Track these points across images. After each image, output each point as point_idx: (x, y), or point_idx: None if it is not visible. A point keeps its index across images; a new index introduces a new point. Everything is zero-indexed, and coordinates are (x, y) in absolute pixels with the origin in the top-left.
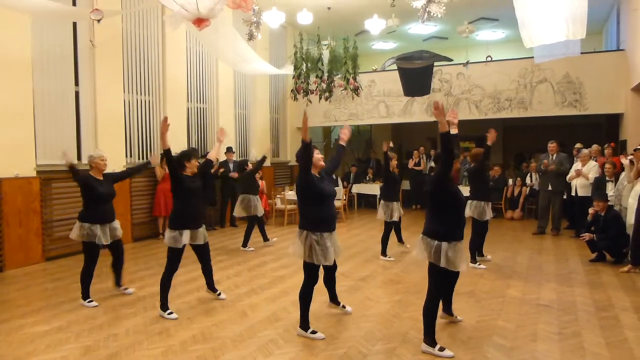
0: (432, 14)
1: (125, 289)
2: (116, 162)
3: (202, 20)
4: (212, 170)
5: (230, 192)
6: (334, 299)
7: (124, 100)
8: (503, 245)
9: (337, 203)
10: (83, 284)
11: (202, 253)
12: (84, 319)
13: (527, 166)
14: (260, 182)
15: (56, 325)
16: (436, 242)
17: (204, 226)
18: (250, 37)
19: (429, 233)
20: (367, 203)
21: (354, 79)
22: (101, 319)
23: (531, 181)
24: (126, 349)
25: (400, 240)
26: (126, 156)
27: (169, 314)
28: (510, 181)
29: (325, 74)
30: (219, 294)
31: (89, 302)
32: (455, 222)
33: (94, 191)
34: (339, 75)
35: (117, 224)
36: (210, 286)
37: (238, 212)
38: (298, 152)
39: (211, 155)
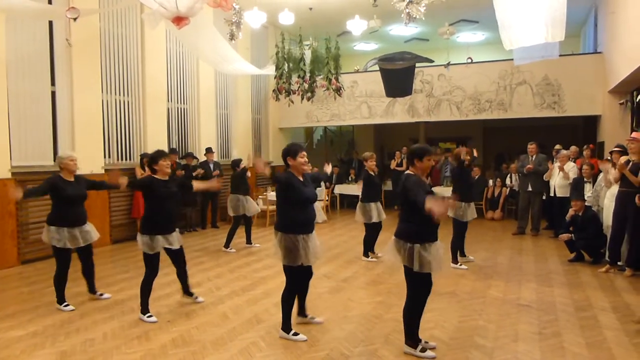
0: (412, 15)
1: (101, 294)
2: (94, 163)
3: (181, 19)
4: (194, 173)
5: (210, 193)
6: (302, 311)
7: (103, 101)
8: (484, 245)
9: (320, 204)
10: (57, 289)
11: (177, 257)
12: (60, 323)
13: (507, 167)
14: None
15: (32, 330)
16: (409, 244)
17: (177, 230)
18: (232, 37)
19: (401, 234)
20: (349, 204)
21: (336, 79)
22: (78, 323)
23: (511, 182)
24: (103, 353)
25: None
26: (104, 157)
27: (148, 317)
28: (491, 182)
29: (308, 74)
30: (196, 298)
31: (64, 306)
32: (428, 223)
33: (62, 193)
34: (321, 76)
35: (88, 226)
36: (186, 290)
37: (229, 211)
38: (296, 146)
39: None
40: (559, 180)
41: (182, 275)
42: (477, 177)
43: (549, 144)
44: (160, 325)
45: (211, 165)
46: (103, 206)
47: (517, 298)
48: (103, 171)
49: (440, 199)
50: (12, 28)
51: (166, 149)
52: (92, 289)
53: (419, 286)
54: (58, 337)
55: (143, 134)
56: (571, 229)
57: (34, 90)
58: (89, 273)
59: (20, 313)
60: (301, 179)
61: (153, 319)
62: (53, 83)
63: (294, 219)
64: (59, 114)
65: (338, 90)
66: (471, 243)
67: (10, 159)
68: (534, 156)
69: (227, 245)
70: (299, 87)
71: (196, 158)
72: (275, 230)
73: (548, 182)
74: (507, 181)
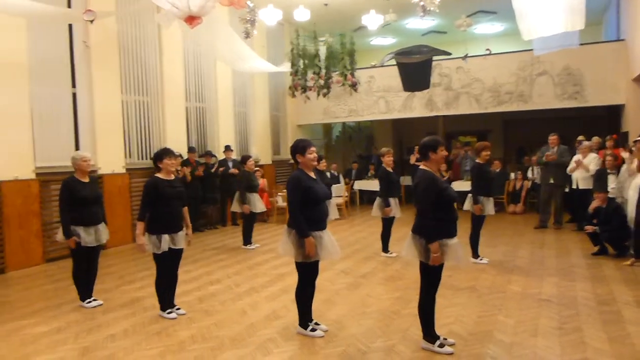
0: (427, 8)
1: (89, 302)
2: (115, 163)
3: (193, 18)
4: (213, 170)
5: (231, 190)
6: (309, 315)
7: (122, 101)
8: (505, 240)
9: (339, 200)
10: (77, 286)
11: (175, 259)
12: (83, 319)
13: (529, 160)
14: (261, 180)
15: (55, 326)
16: (424, 240)
17: (184, 230)
18: (247, 35)
19: (417, 230)
20: (369, 199)
21: (352, 74)
22: (100, 319)
23: (532, 175)
24: (124, 349)
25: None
26: (125, 157)
27: (168, 313)
28: (512, 175)
29: (323, 70)
30: (178, 309)
31: (87, 302)
32: (444, 218)
33: (77, 194)
34: (337, 71)
35: (102, 227)
36: (170, 300)
37: (235, 207)
38: (305, 142)
39: None
40: (581, 172)
41: (172, 280)
42: (497, 170)
43: (572, 135)
44: (180, 322)
45: (230, 163)
46: (125, 205)
47: (537, 293)
48: (124, 171)
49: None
50: (34, 33)
51: (185, 148)
52: (87, 294)
53: (431, 281)
54: (81, 333)
55: (162, 133)
56: (594, 221)
57: (56, 92)
58: (90, 275)
59: (45, 310)
60: (312, 175)
61: (173, 315)
62: (74, 85)
63: (307, 216)
64: (80, 115)
65: (354, 86)
66: (492, 237)
67: (34, 160)
68: (555, 148)
69: (245, 242)
70: (314, 83)
71: (215, 156)
72: (289, 227)
73: (570, 174)
74: (529, 174)
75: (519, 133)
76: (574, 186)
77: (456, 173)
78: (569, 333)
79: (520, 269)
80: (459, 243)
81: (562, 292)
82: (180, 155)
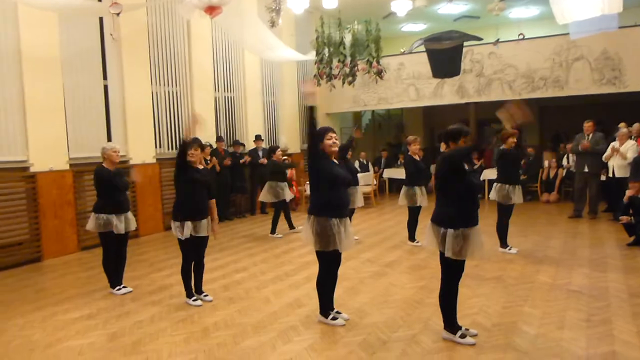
0: None
1: (119, 289)
2: (146, 153)
3: (213, 8)
4: (242, 161)
5: (260, 179)
6: (330, 304)
7: (152, 92)
8: (537, 229)
9: (368, 188)
10: (108, 273)
11: (199, 247)
12: (113, 306)
13: (564, 147)
14: (290, 170)
15: (87, 312)
16: (442, 229)
17: (208, 218)
18: (272, 23)
19: (436, 219)
20: (398, 188)
21: (377, 62)
22: (129, 306)
23: (568, 163)
24: (150, 335)
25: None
26: (155, 147)
27: (193, 300)
28: (546, 163)
29: (348, 58)
30: (206, 296)
31: (117, 289)
32: (464, 207)
33: (108, 182)
34: (363, 59)
35: (130, 215)
36: (197, 287)
37: (264, 197)
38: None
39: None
40: (617, 160)
41: (199, 269)
42: (531, 158)
43: (611, 122)
44: (205, 309)
45: (260, 153)
46: (155, 194)
47: (567, 283)
48: (154, 161)
49: None
50: (65, 27)
51: (214, 138)
52: (118, 281)
53: (451, 272)
54: (110, 320)
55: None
56: (630, 211)
57: (88, 85)
58: (119, 262)
59: (77, 296)
60: (335, 161)
61: (198, 302)
62: (105, 77)
63: (327, 201)
64: (111, 107)
65: (379, 74)
66: (524, 226)
67: (68, 151)
68: (591, 135)
69: (273, 231)
70: (339, 71)
71: (243, 145)
72: (308, 214)
73: (606, 162)
74: (564, 162)
75: (555, 119)
76: (610, 174)
77: (488, 161)
78: (597, 325)
79: (550, 259)
80: (479, 235)
81: (593, 283)
82: (210, 145)
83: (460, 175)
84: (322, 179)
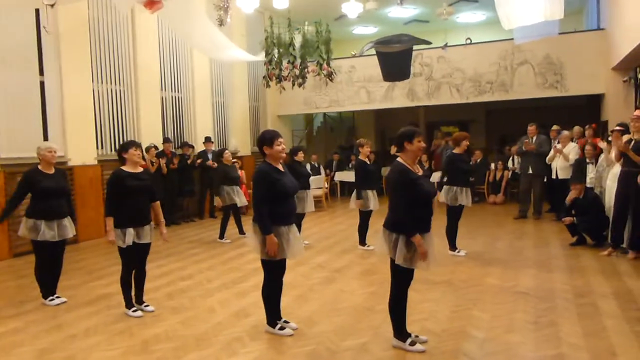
0: None
1: (52, 299)
2: (87, 155)
3: (153, 3)
4: (189, 162)
5: (209, 182)
6: (277, 313)
7: (93, 90)
8: (484, 231)
9: (319, 192)
10: (40, 283)
11: (141, 253)
12: (44, 318)
13: (509, 149)
14: (240, 171)
15: (13, 326)
16: (394, 234)
17: (151, 224)
18: (220, 22)
19: (387, 225)
20: (350, 191)
21: (328, 64)
22: (62, 318)
23: (513, 165)
24: (83, 350)
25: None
26: (97, 148)
27: (133, 311)
28: (492, 165)
29: (298, 60)
30: (147, 306)
31: (50, 300)
32: (417, 214)
33: (38, 185)
34: (313, 61)
35: (67, 221)
36: (138, 297)
37: (217, 201)
38: (272, 133)
39: None
40: (560, 162)
41: (140, 276)
42: (478, 160)
43: (553, 124)
44: (145, 320)
45: (209, 155)
46: (97, 197)
47: (514, 285)
48: (96, 162)
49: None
50: None
51: (161, 139)
52: (50, 291)
53: (401, 278)
54: (39, 334)
55: (137, 123)
56: (573, 212)
57: (22, 80)
58: (54, 271)
59: (5, 308)
60: (280, 168)
61: (138, 313)
62: (42, 73)
63: (274, 210)
64: (48, 104)
65: (329, 76)
66: (472, 228)
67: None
68: (534, 137)
69: (221, 236)
70: (288, 72)
71: (192, 147)
72: (254, 222)
73: (550, 164)
74: (509, 164)
75: (501, 123)
76: (554, 176)
77: (437, 164)
78: (544, 327)
79: (498, 260)
80: (431, 243)
81: (539, 284)
82: (156, 147)
83: (411, 186)
84: (273, 192)
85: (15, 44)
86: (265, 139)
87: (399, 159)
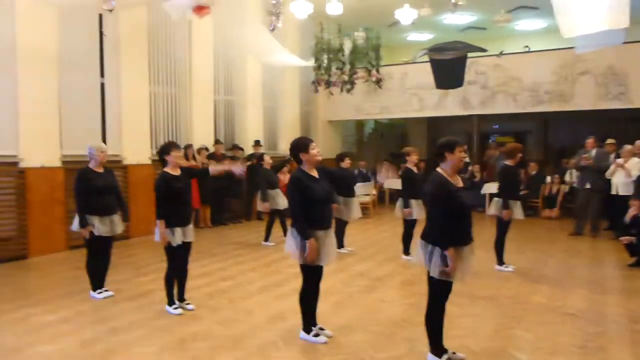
0: (457, 3)
1: (100, 292)
2: (141, 154)
3: (202, 8)
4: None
5: (255, 185)
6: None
7: (150, 92)
8: (535, 246)
9: (367, 198)
10: (90, 276)
11: (185, 252)
12: (91, 310)
13: (567, 162)
14: (287, 175)
15: (63, 315)
16: (430, 246)
17: (192, 224)
18: (272, 28)
19: (424, 236)
20: (397, 199)
21: (377, 70)
22: (108, 311)
23: (570, 178)
24: (123, 344)
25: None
26: (151, 148)
27: (174, 308)
28: (548, 178)
29: (347, 65)
30: (188, 304)
31: (98, 293)
32: (454, 225)
33: (91, 184)
34: (362, 67)
35: (116, 218)
36: (180, 295)
37: (260, 206)
38: (305, 140)
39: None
40: (621, 177)
41: (183, 275)
42: (533, 173)
43: (617, 137)
44: (185, 318)
45: None
46: (149, 195)
47: (562, 305)
48: (150, 162)
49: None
50: (64, 23)
51: (212, 141)
52: (99, 284)
53: (438, 291)
54: (85, 325)
55: (190, 125)
56: (633, 231)
57: (84, 82)
58: (103, 265)
59: (58, 298)
60: (314, 174)
61: (179, 310)
62: (102, 75)
63: (308, 216)
64: (107, 106)
65: (378, 82)
66: (522, 243)
67: (61, 148)
68: (593, 151)
69: (266, 239)
70: (337, 78)
71: (242, 149)
72: (292, 227)
73: (609, 179)
74: (567, 177)
75: (559, 134)
76: (614, 192)
77: (490, 174)
78: (592, 353)
79: (547, 278)
80: (469, 256)
81: (590, 306)
82: (206, 148)
83: (449, 198)
84: (305, 200)
85: (80, 48)
86: (301, 145)
87: (438, 170)
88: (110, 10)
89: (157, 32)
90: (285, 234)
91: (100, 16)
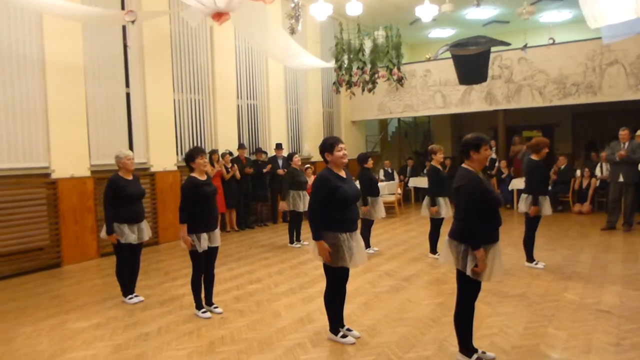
0: None
1: (130, 298)
2: (167, 161)
3: (221, 15)
4: (264, 170)
5: (279, 188)
6: (340, 320)
7: (174, 100)
8: (566, 242)
9: (392, 197)
10: (120, 282)
11: (211, 257)
12: (123, 316)
13: (597, 156)
14: (312, 177)
15: (96, 321)
16: (463, 245)
17: (219, 228)
18: (292, 31)
19: (455, 235)
20: (424, 197)
21: (398, 69)
22: (138, 316)
23: (601, 172)
24: (154, 348)
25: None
26: (177, 154)
27: (203, 312)
28: (578, 172)
29: (368, 65)
30: (216, 308)
31: (129, 298)
32: (484, 223)
33: (123, 191)
34: (383, 66)
35: (144, 224)
36: (208, 299)
37: (280, 206)
38: (333, 139)
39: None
40: None
41: (209, 279)
42: (562, 167)
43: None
44: (213, 322)
45: (280, 162)
46: (176, 201)
47: (596, 302)
48: (176, 168)
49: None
50: (89, 36)
51: (236, 145)
52: (130, 290)
53: (468, 290)
54: (117, 330)
55: (214, 130)
56: None
57: (110, 92)
58: (132, 271)
59: (90, 304)
60: (342, 174)
61: (207, 314)
62: (127, 85)
63: (335, 217)
64: (133, 115)
65: (399, 81)
66: (553, 239)
67: (90, 158)
68: (626, 143)
69: (291, 241)
70: (358, 78)
71: (265, 153)
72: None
73: None
74: (597, 171)
75: (589, 127)
76: None
77: (517, 170)
78: (627, 350)
79: (579, 275)
80: (499, 254)
81: (625, 302)
82: (230, 153)
83: (484, 195)
84: (333, 200)
85: (105, 59)
86: (327, 145)
87: (465, 166)
88: (133, 22)
89: (179, 40)
90: (298, 238)
91: (124, 28)
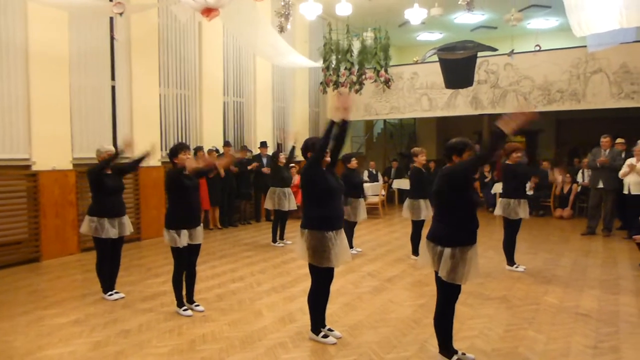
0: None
1: (111, 294)
2: (152, 156)
3: (210, 10)
4: (249, 168)
5: (264, 186)
6: (322, 321)
7: (160, 94)
8: (547, 246)
9: (375, 199)
10: (100, 278)
11: (192, 254)
12: (102, 312)
13: (579, 162)
14: (296, 176)
15: (74, 318)
16: (439, 247)
17: (201, 225)
18: (281, 29)
19: (433, 236)
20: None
21: (385, 70)
22: (118, 313)
23: (583, 179)
24: (134, 346)
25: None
26: (161, 149)
27: (184, 310)
28: (559, 178)
29: (356, 66)
30: (197, 306)
31: (109, 295)
32: (462, 224)
33: (103, 184)
34: (371, 67)
35: (125, 219)
36: (189, 296)
37: (267, 204)
38: (315, 139)
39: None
40: (634, 176)
41: (191, 275)
42: (547, 171)
43: (630, 136)
44: (195, 320)
45: (264, 160)
46: (159, 197)
47: (575, 306)
48: (160, 164)
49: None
50: (75, 26)
51: (222, 142)
52: (110, 286)
53: (448, 292)
54: (96, 327)
55: (199, 127)
56: None
57: (95, 85)
58: (113, 267)
59: (68, 300)
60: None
61: (188, 312)
62: (113, 78)
63: (320, 214)
64: (118, 108)
65: (387, 82)
66: (534, 243)
67: (72, 151)
68: (608, 150)
69: (274, 240)
70: (345, 79)
71: (250, 151)
72: (302, 228)
73: (622, 179)
74: (579, 177)
75: (573, 133)
76: (625, 191)
77: (500, 174)
78: (605, 353)
79: (559, 278)
80: (475, 256)
81: (603, 306)
82: (217, 150)
83: (461, 192)
84: (318, 191)
85: (91, 51)
86: (308, 146)
87: (449, 166)
88: (121, 14)
89: (167, 34)
90: (283, 237)
91: (111, 19)
